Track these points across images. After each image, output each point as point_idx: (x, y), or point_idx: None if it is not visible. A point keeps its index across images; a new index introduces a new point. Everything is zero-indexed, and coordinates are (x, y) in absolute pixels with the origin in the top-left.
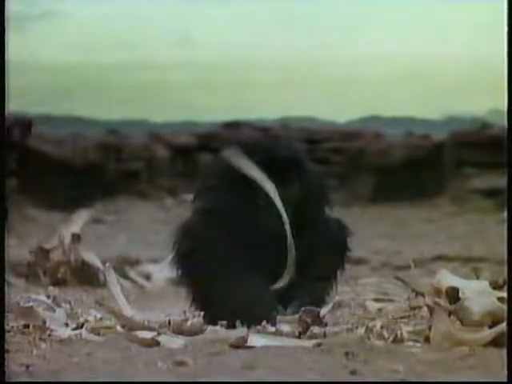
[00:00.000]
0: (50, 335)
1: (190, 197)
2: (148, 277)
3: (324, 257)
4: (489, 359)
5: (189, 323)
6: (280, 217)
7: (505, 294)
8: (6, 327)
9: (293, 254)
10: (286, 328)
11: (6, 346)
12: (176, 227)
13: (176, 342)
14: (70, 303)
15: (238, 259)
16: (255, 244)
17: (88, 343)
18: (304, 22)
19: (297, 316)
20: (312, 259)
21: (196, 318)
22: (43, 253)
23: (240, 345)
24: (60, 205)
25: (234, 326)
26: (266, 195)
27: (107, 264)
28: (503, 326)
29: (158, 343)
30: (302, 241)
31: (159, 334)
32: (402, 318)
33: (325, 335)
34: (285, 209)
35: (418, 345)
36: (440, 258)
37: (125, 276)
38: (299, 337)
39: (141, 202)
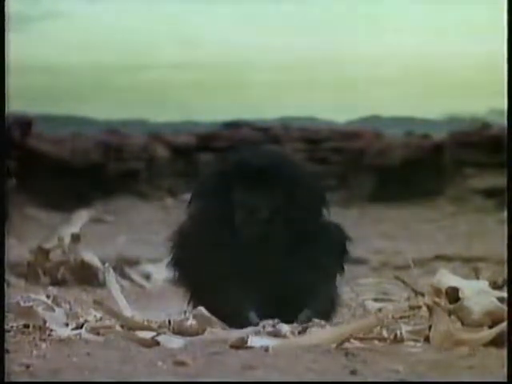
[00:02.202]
0: (49, 335)
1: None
2: (148, 277)
3: (324, 263)
4: (489, 359)
5: (189, 323)
6: (276, 221)
7: (505, 294)
8: (6, 327)
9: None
10: (285, 328)
11: (6, 346)
12: (172, 231)
13: (176, 341)
14: (69, 303)
15: (233, 263)
16: (250, 248)
17: (88, 343)
18: (304, 23)
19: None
20: (314, 266)
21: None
22: (43, 253)
23: (240, 345)
24: (60, 205)
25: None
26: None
27: (107, 264)
28: (503, 325)
29: (157, 343)
30: (301, 248)
31: (159, 334)
32: (401, 317)
33: None
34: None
35: (418, 345)
36: (440, 257)
37: (125, 276)
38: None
39: (141, 202)
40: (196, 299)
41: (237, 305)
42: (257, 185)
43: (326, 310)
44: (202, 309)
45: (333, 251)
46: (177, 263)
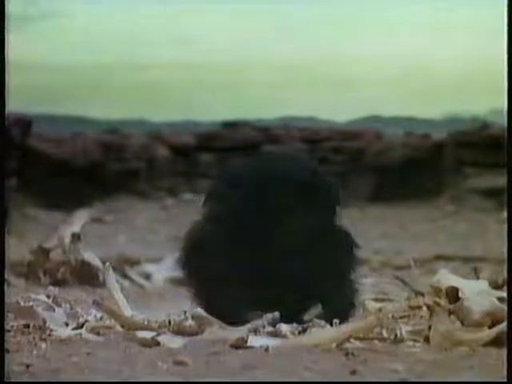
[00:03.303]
0: (49, 335)
1: (191, 197)
2: (148, 277)
3: (337, 265)
4: (489, 359)
5: (189, 323)
6: (290, 228)
7: (505, 294)
8: (6, 327)
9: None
10: (285, 328)
11: (6, 346)
12: (186, 231)
13: (176, 341)
14: (69, 303)
15: (242, 269)
16: (263, 255)
17: (88, 343)
18: (304, 22)
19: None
20: (322, 270)
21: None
22: (43, 253)
23: (240, 345)
24: (60, 205)
25: None
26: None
27: (107, 264)
28: (503, 325)
29: (157, 343)
30: (313, 250)
31: (159, 333)
32: (401, 317)
33: None
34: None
35: (418, 345)
36: (440, 257)
37: (125, 276)
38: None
39: (141, 201)
40: (204, 300)
41: (238, 307)
42: (297, 197)
43: (341, 310)
44: (199, 309)
45: (344, 253)
46: (188, 263)
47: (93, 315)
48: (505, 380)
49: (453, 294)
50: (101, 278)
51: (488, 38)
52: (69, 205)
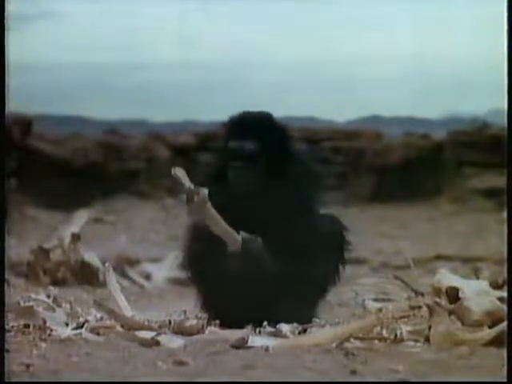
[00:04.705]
0: (50, 335)
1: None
2: (148, 277)
3: (319, 255)
4: (489, 359)
5: (189, 323)
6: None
7: (505, 294)
8: (6, 327)
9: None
10: (285, 328)
11: (6, 346)
12: (185, 229)
13: (176, 341)
14: (70, 303)
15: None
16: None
17: (88, 343)
18: (304, 22)
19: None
20: (305, 259)
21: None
22: (43, 253)
23: (240, 345)
24: (60, 205)
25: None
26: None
27: (107, 264)
28: (503, 325)
29: (158, 343)
30: (292, 240)
31: (159, 333)
32: (401, 317)
33: None
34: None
35: (418, 345)
36: (440, 257)
37: (125, 276)
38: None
39: (141, 201)
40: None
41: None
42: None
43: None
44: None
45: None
46: (190, 262)
47: (93, 315)
48: (505, 380)
49: (453, 294)
50: (101, 278)
51: (488, 37)
52: (69, 205)
